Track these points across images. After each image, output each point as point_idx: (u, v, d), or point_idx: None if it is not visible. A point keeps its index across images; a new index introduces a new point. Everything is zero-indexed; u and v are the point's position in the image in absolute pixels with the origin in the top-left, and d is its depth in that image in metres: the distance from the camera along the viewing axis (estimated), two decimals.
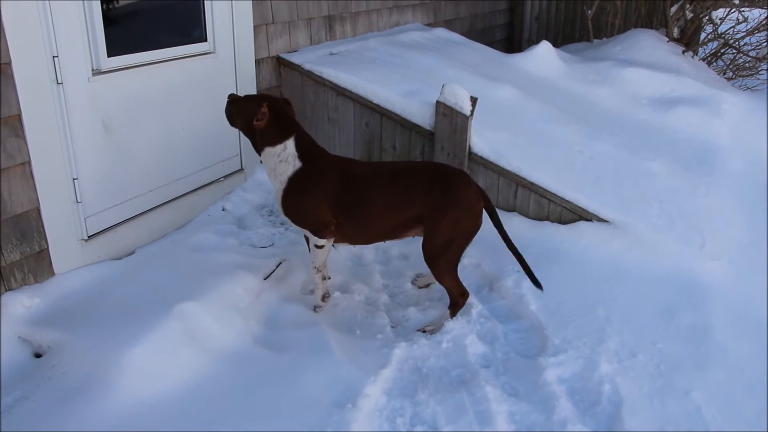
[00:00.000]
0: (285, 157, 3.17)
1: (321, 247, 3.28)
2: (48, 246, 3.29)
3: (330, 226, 3.21)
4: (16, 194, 3.09)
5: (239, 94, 4.33)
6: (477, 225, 3.21)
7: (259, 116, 3.11)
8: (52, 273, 3.34)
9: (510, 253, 3.29)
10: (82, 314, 3.10)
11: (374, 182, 3.21)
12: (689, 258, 3.64)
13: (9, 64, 2.96)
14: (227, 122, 3.33)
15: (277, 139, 3.16)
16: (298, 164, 3.17)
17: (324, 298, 3.40)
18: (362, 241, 3.40)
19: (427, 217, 3.14)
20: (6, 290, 3.14)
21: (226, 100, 3.32)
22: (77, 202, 3.40)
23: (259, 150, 3.22)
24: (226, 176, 4.40)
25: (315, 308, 3.37)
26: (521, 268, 3.31)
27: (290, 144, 3.17)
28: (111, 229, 3.62)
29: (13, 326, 3.02)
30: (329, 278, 3.52)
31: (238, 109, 3.22)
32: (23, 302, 3.13)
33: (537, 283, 3.27)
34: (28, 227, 3.18)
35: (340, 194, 3.16)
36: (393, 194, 3.18)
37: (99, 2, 3.34)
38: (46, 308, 3.16)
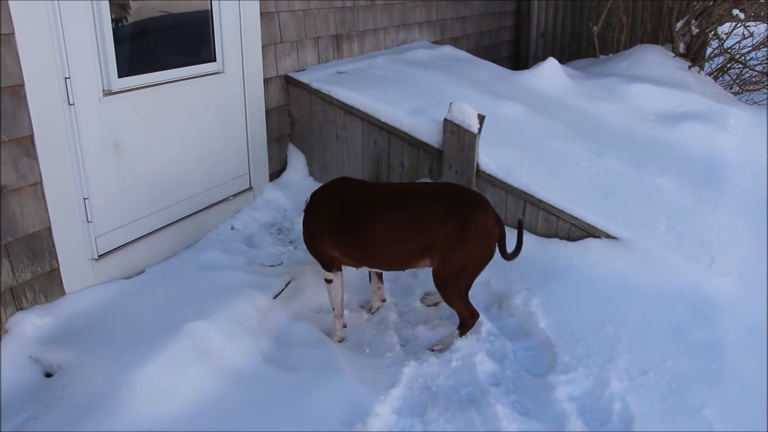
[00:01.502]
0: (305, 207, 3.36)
1: (329, 281, 3.31)
2: (59, 265, 3.31)
3: (333, 261, 3.24)
4: (27, 214, 3.12)
5: (249, 114, 4.40)
6: (492, 253, 3.17)
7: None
8: (62, 292, 3.36)
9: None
10: (92, 333, 3.11)
11: (383, 204, 3.17)
12: (698, 274, 3.63)
13: (22, 85, 3.00)
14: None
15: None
16: (306, 200, 3.36)
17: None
18: (372, 266, 3.37)
19: (440, 246, 3.08)
20: (17, 310, 3.15)
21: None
22: (88, 221, 3.42)
23: None
24: (235, 195, 4.43)
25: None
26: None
27: (307, 197, 3.38)
28: (121, 248, 3.64)
29: (23, 345, 3.03)
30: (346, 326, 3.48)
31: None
32: (34, 321, 3.14)
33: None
34: (39, 247, 3.20)
35: (343, 221, 3.17)
36: (402, 220, 3.12)
37: (110, 24, 3.38)
38: (56, 327, 3.17)
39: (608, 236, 3.84)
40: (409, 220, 3.10)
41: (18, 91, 2.99)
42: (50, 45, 3.10)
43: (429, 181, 4.37)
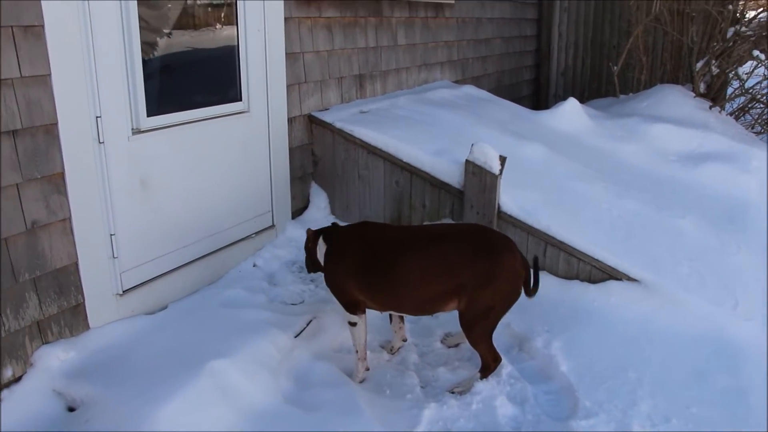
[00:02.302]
0: (320, 250, 3.42)
1: (353, 324, 3.31)
2: (84, 300, 3.35)
3: (358, 304, 3.25)
4: (56, 249, 3.17)
5: (273, 152, 4.46)
6: (518, 293, 3.16)
7: (306, 241, 3.52)
8: (87, 327, 3.39)
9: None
10: (115, 369, 3.14)
11: (411, 250, 3.18)
12: (722, 318, 3.60)
13: (56, 124, 3.08)
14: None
15: (315, 243, 3.47)
16: (325, 246, 3.38)
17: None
18: (397, 310, 3.37)
19: (469, 288, 3.08)
20: (43, 343, 3.19)
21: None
22: (113, 257, 3.47)
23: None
24: (257, 232, 4.47)
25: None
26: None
27: (320, 240, 3.44)
28: (145, 284, 3.68)
29: (48, 379, 3.06)
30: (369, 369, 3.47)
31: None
32: (59, 355, 3.17)
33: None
34: (66, 281, 3.25)
35: (369, 264, 3.18)
36: (431, 263, 3.12)
37: (141, 65, 3.47)
38: (80, 362, 3.19)
39: (630, 279, 3.83)
40: (438, 263, 3.11)
41: (52, 129, 3.07)
42: (84, 86, 3.18)
43: (450, 221, 4.41)
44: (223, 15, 4.09)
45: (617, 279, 3.87)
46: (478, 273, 3.06)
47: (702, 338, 3.47)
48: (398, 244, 3.20)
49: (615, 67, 8.24)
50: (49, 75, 3.02)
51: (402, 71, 6.19)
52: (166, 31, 3.75)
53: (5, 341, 3.00)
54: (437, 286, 3.11)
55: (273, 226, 4.62)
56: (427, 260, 3.12)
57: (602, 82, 9.83)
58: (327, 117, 4.85)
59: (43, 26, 2.97)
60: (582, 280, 3.98)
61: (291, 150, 4.72)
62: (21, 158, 2.96)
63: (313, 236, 3.48)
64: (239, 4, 4.12)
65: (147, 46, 3.56)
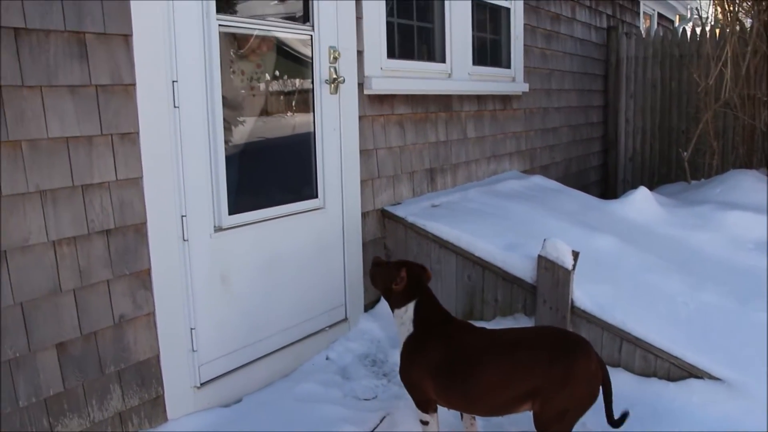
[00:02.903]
0: (405, 320, 3.30)
1: (425, 423, 3.28)
2: (164, 392, 3.44)
3: (430, 403, 3.22)
4: (140, 342, 3.30)
5: (346, 247, 4.57)
6: (595, 396, 3.09)
7: (398, 280, 3.30)
8: (165, 419, 3.47)
9: (616, 412, 3.18)
10: None
11: (487, 355, 3.16)
12: None
13: (145, 223, 3.26)
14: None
15: (403, 302, 3.32)
16: (411, 329, 3.28)
17: None
18: (471, 412, 3.33)
19: (544, 391, 3.03)
20: None
21: (372, 261, 3.58)
22: (193, 350, 3.58)
23: (392, 311, 3.40)
24: (330, 326, 4.53)
25: None
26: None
27: (411, 307, 3.30)
28: (222, 376, 3.76)
29: None
30: None
31: (381, 272, 3.42)
32: None
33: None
34: (147, 374, 3.36)
35: (447, 367, 3.15)
36: (507, 369, 3.11)
37: (224, 168, 3.67)
38: None
39: (711, 377, 3.71)
40: (513, 369, 3.09)
41: (141, 228, 3.25)
42: (172, 187, 3.37)
43: (523, 316, 4.40)
44: (295, 105, 4.30)
45: (698, 377, 3.75)
46: (554, 377, 3.01)
47: None
48: (477, 350, 3.18)
49: (685, 153, 8.17)
50: (141, 177, 3.22)
51: (471, 163, 6.31)
52: (240, 119, 3.95)
53: None
54: (512, 391, 3.08)
55: (346, 319, 4.68)
56: (504, 367, 3.11)
57: (672, 167, 9.73)
58: (399, 211, 4.95)
59: (138, 133, 3.19)
60: (660, 378, 3.87)
61: (364, 244, 4.82)
62: (113, 256, 3.14)
63: (406, 287, 3.31)
64: (316, 106, 4.34)
65: (226, 143, 3.74)
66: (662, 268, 4.81)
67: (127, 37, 3.12)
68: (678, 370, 3.81)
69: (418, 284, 3.36)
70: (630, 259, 4.87)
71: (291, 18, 4.30)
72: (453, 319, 3.37)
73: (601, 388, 3.12)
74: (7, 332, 2.77)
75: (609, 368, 3.81)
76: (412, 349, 3.28)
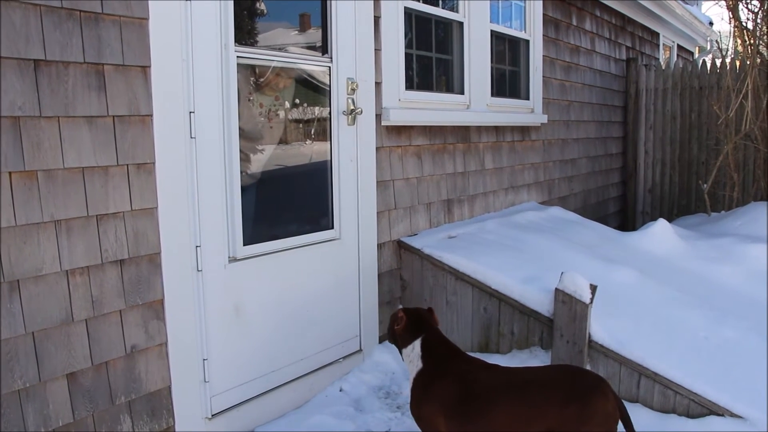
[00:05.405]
0: (413, 357, 3.31)
1: None
2: (174, 423, 3.41)
3: None
4: (151, 373, 3.28)
5: (362, 278, 4.54)
6: None
7: (398, 321, 3.38)
8: None
9: None
10: None
11: (501, 395, 3.12)
12: None
13: (159, 253, 3.25)
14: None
15: (409, 340, 3.35)
16: (420, 365, 3.27)
17: None
18: None
19: (561, 430, 2.99)
20: None
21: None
22: (205, 381, 3.55)
23: (401, 352, 3.44)
24: (344, 357, 4.49)
25: None
26: None
27: (417, 344, 3.32)
28: (234, 407, 3.72)
29: None
30: None
31: (389, 321, 3.52)
32: None
33: None
34: (158, 405, 3.33)
35: (460, 405, 3.11)
36: (522, 410, 3.06)
37: (240, 198, 3.67)
38: None
39: (732, 414, 3.63)
40: (528, 410, 3.04)
41: (155, 258, 3.25)
42: (187, 217, 3.38)
43: (540, 349, 4.33)
44: (312, 136, 4.30)
45: (718, 414, 3.67)
46: (568, 417, 2.96)
47: None
48: (491, 389, 3.13)
49: (705, 185, 8.10)
50: (156, 207, 3.23)
51: (489, 194, 6.28)
52: (257, 150, 3.96)
53: None
54: (528, 429, 3.03)
55: (360, 350, 4.63)
56: (519, 408, 3.06)
57: (691, 199, 9.65)
58: (416, 242, 4.92)
59: (154, 163, 3.20)
60: (679, 414, 3.80)
61: (380, 275, 4.79)
62: (126, 286, 3.13)
63: (407, 326, 3.37)
64: (333, 136, 4.35)
65: (242, 173, 3.75)
66: (682, 302, 4.74)
67: (145, 69, 3.15)
68: (698, 407, 3.74)
69: (419, 322, 3.40)
70: (649, 293, 4.80)
71: (310, 48, 4.33)
72: (462, 353, 3.35)
73: (621, 424, 3.05)
74: (18, 362, 2.76)
75: (627, 404, 3.75)
76: (421, 385, 3.25)
